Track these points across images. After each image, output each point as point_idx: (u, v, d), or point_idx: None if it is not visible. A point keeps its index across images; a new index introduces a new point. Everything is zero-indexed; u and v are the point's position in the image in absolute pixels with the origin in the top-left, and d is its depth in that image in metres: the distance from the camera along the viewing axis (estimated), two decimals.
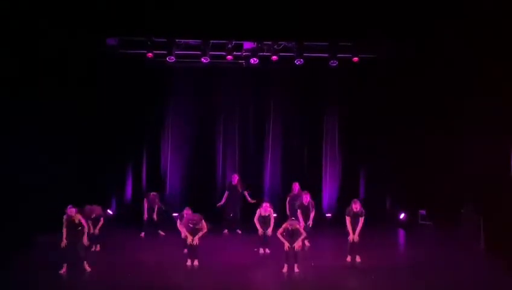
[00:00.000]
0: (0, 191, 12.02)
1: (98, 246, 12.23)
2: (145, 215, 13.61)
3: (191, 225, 10.91)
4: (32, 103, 12.94)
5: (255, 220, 11.96)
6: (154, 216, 13.66)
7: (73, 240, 10.35)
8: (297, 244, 10.65)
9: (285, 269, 10.61)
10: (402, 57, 14.59)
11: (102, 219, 12.12)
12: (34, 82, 13.03)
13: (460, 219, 13.59)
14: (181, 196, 15.83)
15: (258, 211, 12.03)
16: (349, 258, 11.33)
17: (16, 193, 12.28)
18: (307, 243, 12.60)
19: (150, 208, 13.66)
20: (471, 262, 11.43)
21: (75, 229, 10.36)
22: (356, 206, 11.22)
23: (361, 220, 11.20)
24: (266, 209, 11.98)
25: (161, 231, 13.74)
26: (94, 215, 11.94)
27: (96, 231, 12.00)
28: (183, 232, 11.11)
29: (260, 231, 11.92)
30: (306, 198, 12.53)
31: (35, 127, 12.92)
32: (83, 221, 10.54)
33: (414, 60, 14.32)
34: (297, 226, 10.83)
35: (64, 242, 10.26)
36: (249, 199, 14.32)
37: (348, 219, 11.24)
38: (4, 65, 12.26)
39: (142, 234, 13.68)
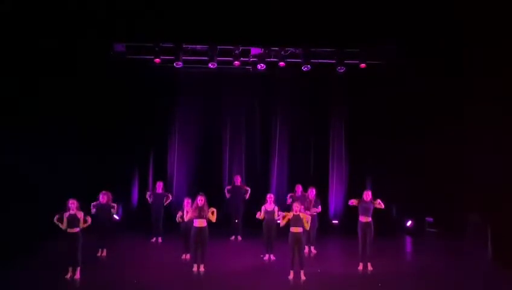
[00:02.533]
0: (4, 198, 12.05)
1: (105, 251, 12.23)
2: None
3: (199, 203, 10.87)
4: (38, 108, 12.98)
5: (261, 215, 11.88)
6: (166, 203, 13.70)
7: (74, 242, 10.28)
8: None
9: (291, 276, 10.57)
10: (409, 62, 14.52)
11: (111, 211, 12.25)
12: (42, 86, 13.07)
13: (468, 226, 13.53)
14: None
15: (262, 208, 11.97)
16: (360, 266, 11.28)
17: (21, 199, 12.29)
18: (313, 250, 12.57)
19: (155, 201, 13.65)
20: (479, 270, 11.35)
21: (74, 226, 10.28)
22: (367, 197, 11.31)
23: (378, 201, 11.29)
24: (271, 203, 11.96)
25: (160, 237, 13.73)
26: (105, 201, 12.09)
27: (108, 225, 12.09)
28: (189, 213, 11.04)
29: (259, 214, 11.83)
30: (312, 192, 12.51)
31: (40, 132, 12.94)
32: (82, 219, 10.31)
33: (421, 65, 14.25)
34: (301, 213, 10.67)
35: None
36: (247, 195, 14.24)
37: (354, 201, 11.43)
38: (12, 69, 12.32)
39: (154, 239, 13.70)
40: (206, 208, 10.91)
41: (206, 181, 15.84)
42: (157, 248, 13.36)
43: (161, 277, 10.65)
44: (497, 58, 12.03)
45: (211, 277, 10.63)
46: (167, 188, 14.89)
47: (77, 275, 10.26)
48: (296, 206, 10.70)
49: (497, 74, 12.02)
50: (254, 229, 12.76)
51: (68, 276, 10.26)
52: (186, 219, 11.07)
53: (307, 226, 10.61)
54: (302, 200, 13.41)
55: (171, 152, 16.21)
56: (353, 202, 11.45)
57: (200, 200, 10.93)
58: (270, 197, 12.07)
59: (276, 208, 12.00)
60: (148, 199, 13.81)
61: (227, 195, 14.42)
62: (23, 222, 12.11)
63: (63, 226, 10.23)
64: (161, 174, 15.72)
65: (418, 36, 13.66)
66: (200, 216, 10.86)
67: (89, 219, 10.59)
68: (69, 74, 13.72)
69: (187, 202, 11.75)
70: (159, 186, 13.83)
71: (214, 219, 10.92)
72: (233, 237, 14.18)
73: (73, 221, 10.24)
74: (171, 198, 13.84)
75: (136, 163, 15.92)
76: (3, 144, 12.19)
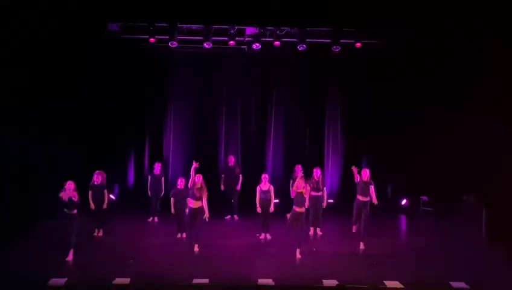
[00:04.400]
0: (1, 178, 12.05)
1: (101, 231, 12.29)
2: (149, 192, 13.83)
3: (197, 185, 10.91)
4: (32, 90, 12.90)
5: (257, 200, 11.96)
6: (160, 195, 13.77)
7: (70, 223, 10.34)
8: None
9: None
10: (406, 43, 14.46)
11: (106, 191, 12.22)
12: (34, 68, 12.96)
13: (462, 205, 13.63)
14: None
15: (258, 189, 12.02)
16: (362, 245, 11.35)
17: (16, 180, 12.29)
18: (319, 231, 12.60)
19: (153, 182, 13.77)
20: (473, 249, 11.45)
21: (71, 209, 10.33)
22: (365, 175, 11.35)
23: (372, 188, 11.32)
24: (265, 183, 12.00)
25: (156, 217, 13.81)
26: (99, 181, 12.07)
27: (105, 205, 12.11)
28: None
29: (259, 209, 11.95)
30: (317, 173, 12.52)
31: (35, 113, 12.88)
32: (77, 202, 10.38)
33: (418, 46, 14.20)
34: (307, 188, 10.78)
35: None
36: (239, 184, 14.27)
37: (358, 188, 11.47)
38: (4, 51, 12.20)
39: (151, 218, 13.78)
40: (204, 188, 10.93)
41: (201, 161, 15.85)
42: (153, 227, 13.44)
43: (157, 257, 10.73)
44: (497, 41, 12.00)
45: (206, 256, 10.71)
46: (163, 170, 14.90)
47: (70, 257, 10.30)
48: (300, 183, 10.72)
49: (497, 52, 12.00)
50: (250, 208, 12.79)
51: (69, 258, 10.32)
52: (190, 184, 11.04)
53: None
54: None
55: (166, 132, 16.19)
56: (355, 171, 11.49)
57: (198, 178, 10.93)
58: (265, 177, 12.12)
59: (271, 188, 12.05)
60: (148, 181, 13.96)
61: (222, 187, 14.41)
62: (20, 205, 12.14)
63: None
64: (157, 154, 15.73)
65: (416, 16, 13.55)
66: (195, 197, 10.89)
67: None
68: (62, 55, 13.59)
69: (180, 180, 11.97)
70: (157, 167, 13.89)
71: (205, 202, 10.97)
72: (229, 217, 14.26)
73: (69, 202, 10.28)
74: (163, 182, 13.91)
75: (131, 143, 15.91)
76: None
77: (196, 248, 11.01)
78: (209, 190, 11.27)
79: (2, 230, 11.06)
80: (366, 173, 11.47)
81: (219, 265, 10.20)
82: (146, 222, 13.66)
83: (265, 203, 11.98)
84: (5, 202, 11.86)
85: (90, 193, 12.08)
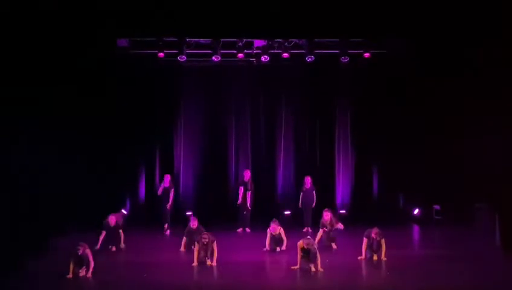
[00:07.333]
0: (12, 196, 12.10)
1: (114, 246, 12.30)
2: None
3: (204, 241, 10.87)
4: (42, 105, 12.99)
5: (267, 241, 12.00)
6: (168, 206, 13.85)
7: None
8: (314, 267, 10.38)
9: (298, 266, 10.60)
10: (414, 52, 14.45)
11: (121, 231, 12.35)
12: (45, 84, 13.06)
13: (475, 214, 13.53)
14: (194, 195, 15.91)
15: (268, 232, 12.02)
16: (375, 257, 11.23)
17: (28, 197, 12.33)
18: (334, 246, 12.49)
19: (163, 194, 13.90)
20: (488, 258, 11.33)
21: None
22: (375, 235, 11.07)
23: (383, 242, 11.07)
24: (275, 229, 11.96)
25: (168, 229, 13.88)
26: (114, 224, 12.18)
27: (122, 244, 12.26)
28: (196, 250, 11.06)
29: (267, 247, 11.97)
30: (326, 216, 12.35)
31: (45, 128, 12.96)
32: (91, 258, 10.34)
33: (426, 55, 14.18)
34: (314, 245, 10.44)
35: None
36: (249, 201, 14.25)
37: (364, 241, 11.19)
38: (16, 66, 12.30)
39: (166, 227, 13.87)
40: (210, 245, 10.90)
41: (212, 174, 15.92)
42: (165, 240, 13.44)
43: (170, 270, 10.70)
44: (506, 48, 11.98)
45: (220, 270, 10.66)
46: (174, 183, 14.94)
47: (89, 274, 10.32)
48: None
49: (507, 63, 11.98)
50: (262, 221, 12.76)
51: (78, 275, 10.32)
52: (196, 261, 10.97)
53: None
54: (311, 192, 13.65)
55: (176, 146, 16.23)
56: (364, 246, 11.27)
57: (205, 238, 10.89)
58: (273, 226, 11.99)
59: (281, 230, 12.00)
60: (158, 193, 14.04)
61: (240, 201, 14.33)
62: (32, 223, 12.17)
63: None
64: (167, 167, 15.75)
65: (422, 26, 13.54)
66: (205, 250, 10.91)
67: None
68: (72, 71, 13.69)
69: (193, 219, 12.06)
70: (167, 179, 13.94)
71: (214, 260, 10.87)
72: (241, 229, 14.23)
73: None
74: (172, 194, 14.02)
75: (142, 157, 15.96)
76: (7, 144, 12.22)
77: (209, 261, 10.97)
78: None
79: (15, 249, 11.09)
80: (375, 233, 11.05)
81: (232, 278, 10.15)
82: (159, 235, 13.68)
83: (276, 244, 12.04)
84: (17, 220, 11.89)
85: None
